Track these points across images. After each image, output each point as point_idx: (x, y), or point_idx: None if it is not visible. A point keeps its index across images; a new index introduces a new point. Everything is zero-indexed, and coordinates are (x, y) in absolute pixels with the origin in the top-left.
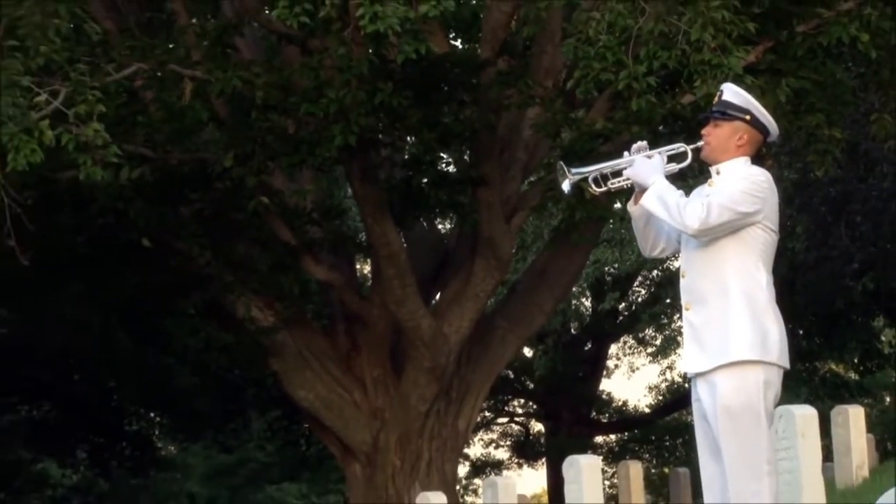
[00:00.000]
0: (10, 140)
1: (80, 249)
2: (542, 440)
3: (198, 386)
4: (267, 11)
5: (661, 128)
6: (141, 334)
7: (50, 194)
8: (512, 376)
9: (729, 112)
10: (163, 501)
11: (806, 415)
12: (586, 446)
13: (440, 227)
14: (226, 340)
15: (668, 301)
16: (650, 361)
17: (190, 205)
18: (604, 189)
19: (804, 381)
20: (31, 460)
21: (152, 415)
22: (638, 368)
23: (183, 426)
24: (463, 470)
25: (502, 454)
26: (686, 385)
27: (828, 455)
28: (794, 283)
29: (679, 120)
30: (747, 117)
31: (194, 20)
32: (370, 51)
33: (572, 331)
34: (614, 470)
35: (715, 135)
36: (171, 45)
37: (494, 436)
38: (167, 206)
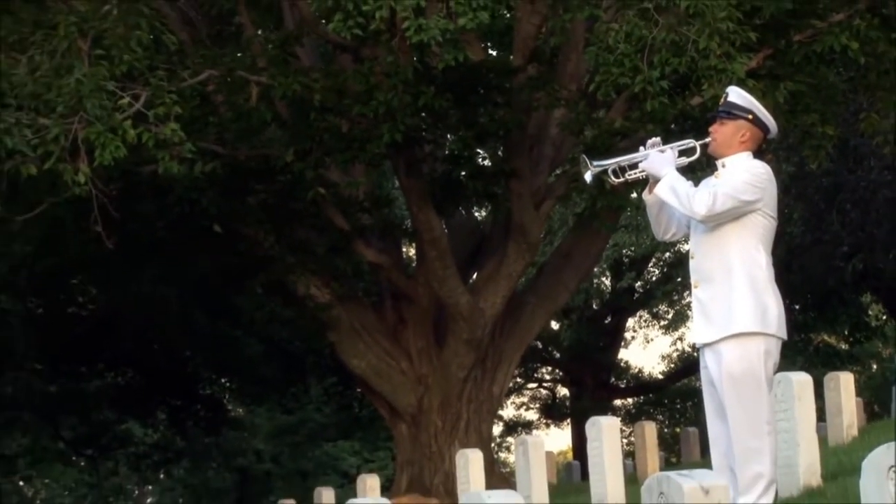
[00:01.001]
0: (97, 138)
1: (159, 235)
2: (567, 403)
3: (263, 355)
4: (324, 23)
5: (672, 126)
6: (213, 309)
7: (132, 186)
8: (540, 346)
9: (733, 112)
10: (232, 457)
11: (802, 380)
12: (606, 409)
13: (477, 214)
14: (288, 315)
15: (678, 280)
16: (663, 333)
17: (256, 195)
18: (622, 180)
19: (800, 351)
20: (116, 421)
21: (223, 380)
22: (652, 339)
23: (250, 390)
24: (497, 429)
25: (532, 415)
26: (695, 354)
27: (821, 416)
28: (790, 263)
29: (689, 119)
30: (750, 116)
31: (259, 32)
32: (415, 58)
33: (594, 306)
34: (631, 430)
35: (721, 132)
36: (239, 54)
37: (525, 399)
38: (236, 197)
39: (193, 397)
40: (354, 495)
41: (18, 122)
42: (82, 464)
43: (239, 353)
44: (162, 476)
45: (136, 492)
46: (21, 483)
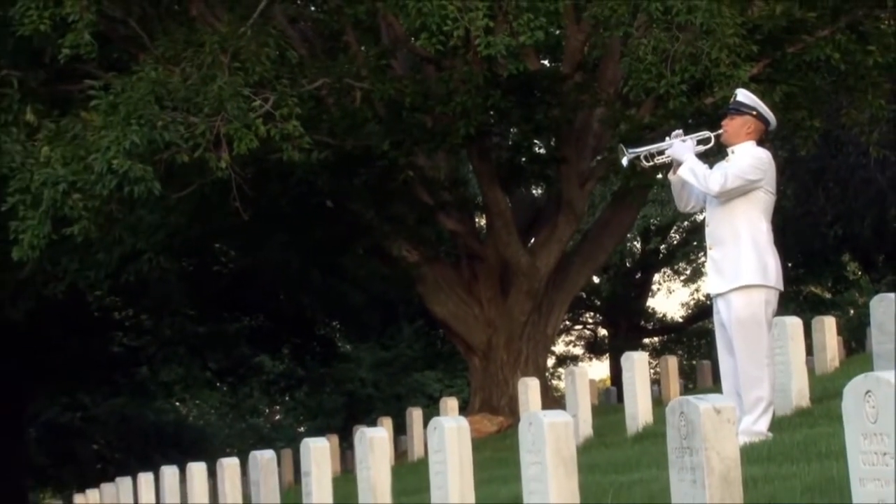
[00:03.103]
0: (236, 133)
1: (283, 209)
2: (606, 341)
3: (365, 303)
4: (413, 40)
5: (690, 121)
6: (325, 268)
7: (262, 170)
8: (584, 296)
9: (741, 109)
10: (341, 383)
11: (794, 323)
12: (637, 345)
13: (534, 192)
14: (384, 272)
15: (695, 243)
16: (683, 285)
17: (359, 177)
18: (651, 164)
19: (792, 299)
20: (251, 355)
21: (334, 323)
22: (673, 291)
23: (355, 331)
24: (550, 362)
25: (578, 351)
26: (709, 302)
27: (809, 351)
28: (785, 229)
29: (704, 115)
30: (754, 113)
31: (362, 47)
32: (485, 68)
33: (627, 264)
34: (657, 362)
35: (731, 125)
36: (346, 65)
37: (572, 338)
38: (343, 178)
39: (311, 336)
40: (438, 414)
41: (174, 120)
42: (224, 389)
43: (346, 302)
44: (286, 398)
45: (267, 411)
46: (177, 404)
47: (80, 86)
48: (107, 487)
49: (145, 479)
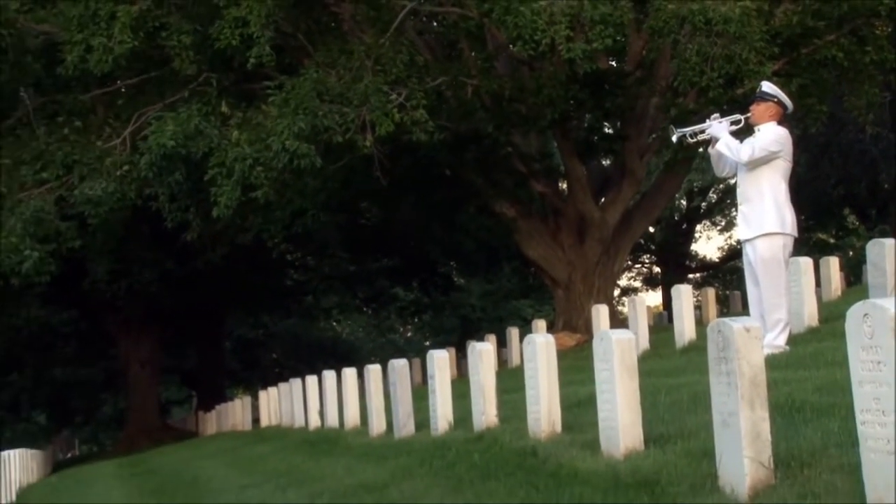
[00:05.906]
0: (377, 119)
1: (412, 177)
2: (659, 277)
3: (475, 248)
4: (511, 47)
5: (725, 107)
6: (445, 221)
7: (397, 148)
8: (642, 242)
9: (765, 97)
10: (457, 308)
11: (805, 262)
12: (683, 280)
13: (604, 162)
14: (489, 224)
15: (728, 201)
16: (719, 234)
17: (470, 152)
18: (694, 141)
19: (804, 244)
20: (389, 287)
21: (451, 263)
22: (711, 237)
23: (467, 269)
24: (616, 292)
25: (637, 284)
26: (739, 246)
27: (818, 283)
28: (799, 190)
29: (736, 102)
30: (775, 100)
31: (472, 53)
32: (566, 68)
33: (675, 217)
34: (699, 293)
35: (757, 110)
36: (460, 67)
37: (633, 274)
38: (458, 153)
39: (434, 273)
40: (530, 332)
41: (330, 110)
42: (369, 312)
43: (460, 248)
44: (416, 320)
45: (401, 329)
46: (334, 324)
47: (261, 85)
48: (283, 386)
49: (311, 380)
